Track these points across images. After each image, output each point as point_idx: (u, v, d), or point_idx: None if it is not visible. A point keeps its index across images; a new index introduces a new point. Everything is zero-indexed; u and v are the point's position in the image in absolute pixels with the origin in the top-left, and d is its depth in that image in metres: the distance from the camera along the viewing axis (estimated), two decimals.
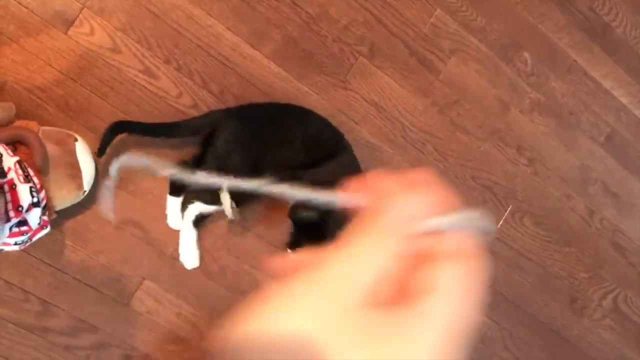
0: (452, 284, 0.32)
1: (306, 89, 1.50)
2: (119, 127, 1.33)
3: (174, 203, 1.40)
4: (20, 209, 1.10)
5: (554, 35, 1.73)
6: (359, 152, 1.55)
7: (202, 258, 1.46)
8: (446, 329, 0.31)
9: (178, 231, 1.43)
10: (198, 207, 1.37)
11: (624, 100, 1.83)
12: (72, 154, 1.27)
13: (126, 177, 1.39)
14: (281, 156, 1.37)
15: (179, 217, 1.42)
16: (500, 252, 1.73)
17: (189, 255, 1.43)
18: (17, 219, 1.10)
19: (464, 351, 0.31)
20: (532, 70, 1.72)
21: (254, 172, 1.35)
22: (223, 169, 1.33)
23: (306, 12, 1.49)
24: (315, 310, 0.30)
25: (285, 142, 1.37)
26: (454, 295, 0.32)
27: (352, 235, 0.33)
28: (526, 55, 1.71)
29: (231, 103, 1.44)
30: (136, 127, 1.36)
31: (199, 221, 1.41)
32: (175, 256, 1.44)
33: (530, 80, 1.72)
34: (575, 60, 1.76)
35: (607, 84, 1.80)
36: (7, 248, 1.16)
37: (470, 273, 0.33)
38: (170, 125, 1.37)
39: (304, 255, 0.35)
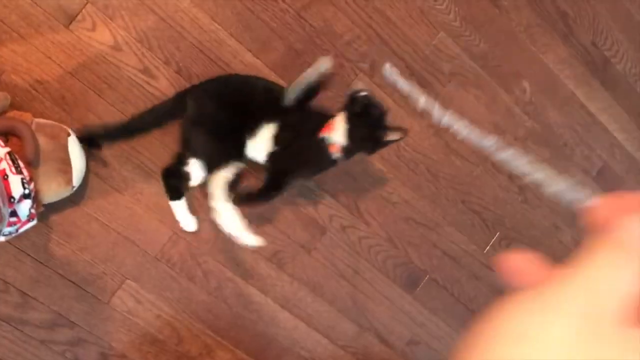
0: None
1: None
2: (91, 136, 1.33)
3: (178, 206, 1.41)
4: (12, 200, 1.10)
5: (555, 66, 1.74)
6: (352, 167, 1.55)
7: (185, 262, 1.46)
8: None
9: (164, 233, 1.43)
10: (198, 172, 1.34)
11: (619, 136, 1.84)
12: (64, 148, 1.26)
13: (117, 176, 1.38)
14: (242, 122, 1.34)
15: (190, 218, 1.42)
16: (484, 277, 1.74)
17: (187, 220, 1.42)
18: (9, 210, 1.10)
19: None
20: (530, 100, 1.73)
21: (220, 142, 1.33)
22: (191, 142, 1.34)
23: (310, 25, 1.49)
24: (568, 331, 0.28)
25: (245, 111, 1.33)
26: None
27: (595, 251, 0.31)
28: (525, 84, 1.72)
29: None
30: (108, 134, 1.35)
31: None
32: (159, 258, 1.43)
33: (527, 109, 1.73)
34: (574, 93, 1.77)
35: (603, 118, 1.82)
36: None
37: None
38: (140, 119, 1.35)
39: (535, 263, 0.33)
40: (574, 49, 1.76)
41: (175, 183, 1.37)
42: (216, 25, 1.42)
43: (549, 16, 1.71)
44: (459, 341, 0.30)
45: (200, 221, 1.45)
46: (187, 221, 1.42)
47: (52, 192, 1.27)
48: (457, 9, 1.61)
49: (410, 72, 1.59)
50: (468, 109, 1.66)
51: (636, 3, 1.82)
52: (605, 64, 1.81)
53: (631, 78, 1.84)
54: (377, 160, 1.58)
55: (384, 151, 1.58)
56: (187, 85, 1.40)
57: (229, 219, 1.30)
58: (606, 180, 1.84)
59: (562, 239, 1.82)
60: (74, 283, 1.38)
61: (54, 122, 1.27)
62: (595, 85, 1.80)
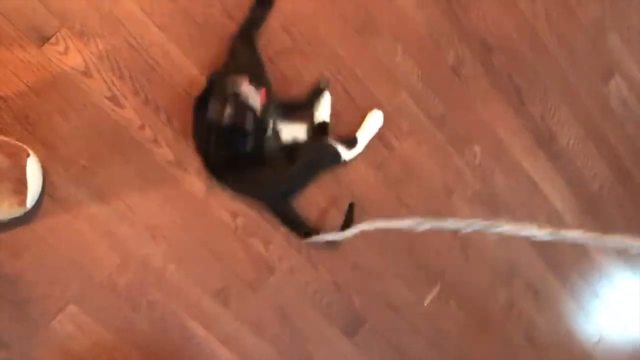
0: None
1: None
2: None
3: None
4: None
5: (506, 135, 1.85)
6: (306, 212, 1.60)
7: (132, 290, 1.45)
8: None
9: (113, 259, 1.42)
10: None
11: (558, 205, 1.97)
12: (22, 168, 1.25)
13: (71, 199, 1.38)
14: None
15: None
16: (422, 328, 1.80)
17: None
18: None
19: None
20: (479, 163, 1.83)
21: None
22: None
23: (281, 72, 1.54)
24: None
25: None
26: None
27: None
28: (477, 148, 1.82)
29: (191, 143, 1.46)
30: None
31: None
32: (105, 284, 1.42)
33: (476, 172, 1.83)
34: (520, 162, 1.89)
35: (544, 187, 1.94)
36: None
37: None
38: None
39: None
40: (525, 120, 1.88)
41: None
42: (189, 61, 1.45)
43: (504, 88, 1.83)
44: None
45: (152, 247, 1.45)
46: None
47: (3, 211, 1.25)
48: (420, 72, 1.70)
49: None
50: (421, 166, 1.74)
51: (584, 83, 1.97)
52: (551, 137, 1.93)
53: (572, 153, 1.97)
54: (332, 207, 1.63)
55: (339, 200, 1.63)
56: (153, 116, 1.42)
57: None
58: (542, 245, 1.95)
59: (497, 297, 1.91)
60: (14, 303, 1.36)
61: (15, 142, 1.27)
62: (540, 156, 1.92)
